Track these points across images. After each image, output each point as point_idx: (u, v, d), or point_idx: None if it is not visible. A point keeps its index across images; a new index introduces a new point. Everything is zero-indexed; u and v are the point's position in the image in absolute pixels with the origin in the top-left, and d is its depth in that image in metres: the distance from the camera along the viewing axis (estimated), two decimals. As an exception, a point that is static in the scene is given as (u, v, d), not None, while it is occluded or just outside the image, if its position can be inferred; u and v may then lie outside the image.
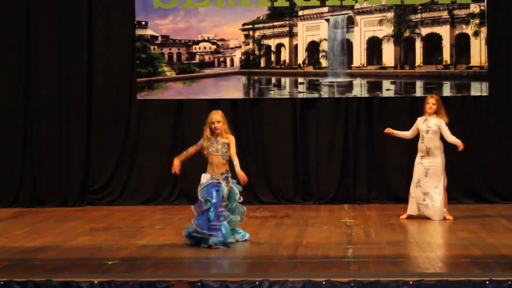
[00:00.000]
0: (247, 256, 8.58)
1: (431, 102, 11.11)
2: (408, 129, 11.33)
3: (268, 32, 13.26)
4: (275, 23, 13.25)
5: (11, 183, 13.18)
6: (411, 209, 11.12)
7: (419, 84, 12.95)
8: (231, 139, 9.10)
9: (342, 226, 10.60)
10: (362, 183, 13.01)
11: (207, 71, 13.41)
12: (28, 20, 13.19)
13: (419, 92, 12.78)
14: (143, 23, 13.28)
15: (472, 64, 12.88)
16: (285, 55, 13.28)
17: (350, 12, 13.08)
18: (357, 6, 13.05)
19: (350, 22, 13.10)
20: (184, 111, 13.09)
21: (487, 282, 6.92)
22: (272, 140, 13.15)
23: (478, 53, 12.85)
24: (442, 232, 10.10)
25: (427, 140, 11.05)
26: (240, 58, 13.29)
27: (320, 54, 13.16)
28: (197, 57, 13.41)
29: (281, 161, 13.11)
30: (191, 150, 9.28)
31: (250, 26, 13.26)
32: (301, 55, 13.22)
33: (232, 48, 13.34)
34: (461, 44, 12.92)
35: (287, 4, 13.15)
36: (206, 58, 13.41)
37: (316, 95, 13.14)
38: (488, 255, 8.30)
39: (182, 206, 12.83)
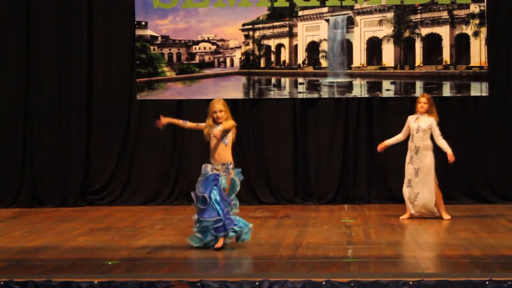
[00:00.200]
0: (247, 256, 8.58)
1: (423, 101, 11.10)
2: (407, 129, 11.32)
3: (268, 32, 13.26)
4: (275, 24, 13.25)
5: (11, 183, 13.18)
6: (409, 209, 11.12)
7: (419, 85, 12.96)
8: (230, 121, 8.99)
9: (342, 227, 10.60)
10: (362, 183, 13.01)
11: (207, 72, 13.41)
12: (28, 20, 13.20)
13: (419, 93, 12.75)
14: (143, 23, 13.28)
15: (472, 64, 12.88)
16: (285, 55, 13.28)
17: (350, 13, 13.08)
18: (357, 6, 13.05)
19: (350, 23, 13.10)
20: (184, 112, 13.08)
21: (487, 283, 6.92)
22: (272, 140, 13.15)
23: (478, 54, 12.86)
24: (442, 232, 10.10)
25: (417, 139, 11.04)
26: (240, 59, 13.29)
27: (320, 55, 13.16)
28: (197, 57, 13.41)
29: (281, 161, 13.12)
30: (188, 124, 9.17)
31: (250, 26, 13.26)
32: (301, 56, 13.22)
33: (232, 49, 13.34)
34: (461, 45, 12.92)
35: (287, 4, 13.15)
36: (206, 58, 13.41)
37: (316, 95, 13.14)
38: (488, 255, 8.30)
39: (182, 206, 12.83)
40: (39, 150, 13.18)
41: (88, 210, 12.72)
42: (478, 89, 12.87)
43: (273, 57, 13.30)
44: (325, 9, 13.11)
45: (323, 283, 7.01)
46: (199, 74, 13.42)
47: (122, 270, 7.81)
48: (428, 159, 11.04)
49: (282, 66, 13.28)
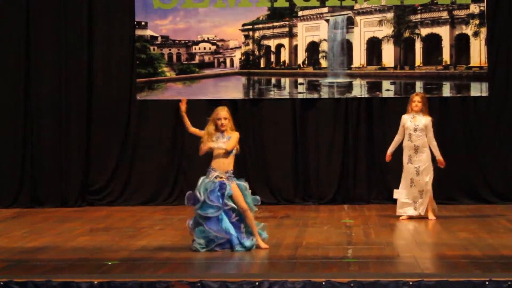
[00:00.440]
0: (247, 256, 8.57)
1: (417, 100, 11.10)
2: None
3: (268, 32, 13.26)
4: (274, 24, 13.25)
5: (11, 183, 13.18)
6: (404, 209, 11.10)
7: (419, 85, 12.96)
8: (235, 134, 8.96)
9: (342, 227, 10.60)
10: (362, 183, 13.02)
11: (207, 72, 13.41)
12: (28, 20, 13.20)
13: (419, 93, 12.76)
14: (143, 23, 13.28)
15: (472, 64, 12.88)
16: (285, 55, 13.29)
17: (350, 13, 13.08)
18: (357, 6, 13.06)
19: (350, 23, 13.10)
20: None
21: (487, 283, 6.92)
22: (272, 140, 13.15)
23: (478, 54, 12.86)
24: (442, 232, 10.09)
25: (415, 138, 11.04)
26: (240, 59, 13.29)
27: (320, 55, 13.17)
28: (197, 57, 13.41)
29: (281, 161, 13.12)
30: (192, 129, 9.02)
31: (250, 26, 13.26)
32: (301, 56, 13.22)
33: (232, 49, 13.34)
34: (461, 45, 12.93)
35: (287, 4, 13.15)
36: (206, 58, 13.41)
37: (316, 95, 13.14)
38: (488, 255, 8.29)
39: (182, 207, 12.78)
40: (39, 150, 13.18)
41: (88, 210, 12.72)
42: (478, 89, 12.87)
43: (273, 57, 13.30)
44: (325, 9, 13.11)
45: (323, 283, 7.01)
46: (199, 74, 13.42)
47: (122, 270, 7.81)
48: (425, 155, 11.06)
49: (282, 66, 13.28)
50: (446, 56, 12.97)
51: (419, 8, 12.99)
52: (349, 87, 13.08)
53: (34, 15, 13.20)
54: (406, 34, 13.03)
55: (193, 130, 9.08)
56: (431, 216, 11.09)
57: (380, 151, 12.88)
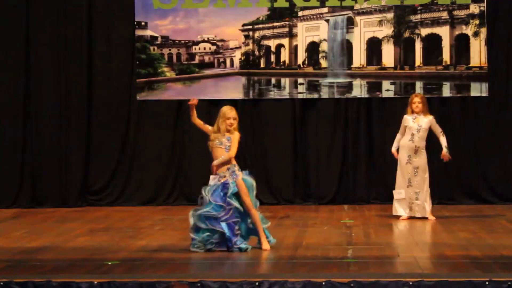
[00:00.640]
0: (246, 256, 8.57)
1: (417, 101, 11.10)
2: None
3: (267, 32, 13.26)
4: (274, 24, 13.25)
5: (11, 183, 13.18)
6: (400, 209, 11.11)
7: (419, 85, 12.96)
8: (236, 135, 8.94)
9: (341, 227, 10.59)
10: (362, 183, 13.02)
11: (207, 72, 13.41)
12: (28, 20, 13.20)
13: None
14: (143, 23, 13.28)
15: (472, 64, 12.89)
16: (285, 55, 13.29)
17: (349, 13, 13.08)
18: (356, 6, 13.06)
19: (350, 23, 13.10)
20: (184, 112, 13.08)
21: (487, 283, 6.92)
22: (272, 140, 13.16)
23: (478, 54, 12.86)
24: (442, 232, 10.09)
25: (417, 139, 11.05)
26: (240, 59, 13.29)
27: (320, 55, 13.17)
28: (197, 57, 13.41)
29: (281, 161, 13.12)
30: (198, 120, 8.92)
31: (250, 26, 13.26)
32: (301, 56, 13.22)
33: (232, 49, 13.34)
34: (461, 45, 12.93)
35: (286, 4, 13.16)
36: (206, 58, 13.41)
37: (316, 95, 13.14)
38: (487, 255, 8.29)
39: (181, 207, 12.83)
40: (39, 150, 13.18)
41: (88, 211, 12.72)
42: (478, 90, 12.88)
43: (273, 58, 13.30)
44: (325, 10, 13.11)
45: (323, 283, 7.01)
46: (199, 74, 13.42)
47: (122, 270, 7.81)
48: (424, 158, 11.07)
49: (282, 67, 13.28)
50: (446, 56, 12.97)
51: (419, 8, 12.99)
52: (349, 87, 13.08)
53: (34, 15, 13.20)
54: (406, 34, 13.03)
55: (197, 121, 9.00)
56: (430, 216, 11.10)
57: (380, 151, 12.91)
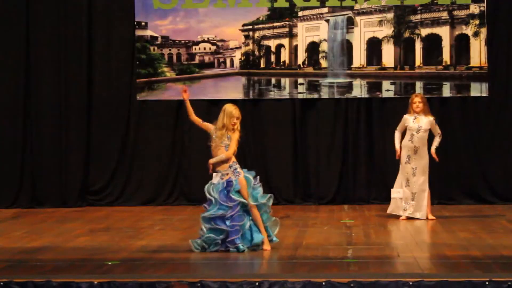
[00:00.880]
0: (247, 256, 8.57)
1: (417, 101, 11.10)
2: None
3: (268, 32, 13.26)
4: (275, 24, 13.25)
5: (11, 183, 13.18)
6: (397, 208, 11.11)
7: (419, 85, 12.96)
8: (236, 134, 8.93)
9: (341, 227, 10.59)
10: (361, 183, 13.01)
11: (207, 72, 13.41)
12: (28, 20, 13.20)
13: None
14: (143, 23, 13.28)
15: (472, 64, 12.89)
16: (285, 55, 13.28)
17: (350, 13, 13.08)
18: (357, 6, 13.06)
19: (350, 23, 13.10)
20: (184, 112, 12.99)
21: (487, 283, 6.92)
22: (272, 140, 13.15)
23: (478, 54, 12.86)
24: (442, 232, 10.09)
25: (417, 139, 11.04)
26: (240, 59, 13.29)
27: (320, 55, 13.17)
28: (197, 57, 13.41)
29: (281, 161, 13.11)
30: (195, 117, 8.90)
31: (250, 26, 13.26)
32: (301, 56, 13.22)
33: (232, 49, 13.34)
34: (461, 45, 12.93)
35: (287, 4, 13.15)
36: (206, 58, 13.41)
37: (316, 95, 13.14)
38: (487, 255, 8.29)
39: (182, 207, 12.84)
40: (39, 150, 13.18)
41: (88, 211, 12.72)
42: (478, 90, 12.87)
43: (273, 58, 13.30)
44: (325, 10, 13.11)
45: (323, 283, 7.01)
46: (199, 74, 13.42)
47: (122, 270, 7.81)
48: (425, 159, 11.06)
49: (282, 67, 13.28)
50: (446, 56, 12.97)
51: (419, 8, 12.99)
52: (349, 87, 13.08)
53: (34, 15, 13.20)
54: (406, 34, 13.03)
55: (195, 118, 8.99)
56: (430, 216, 11.09)
57: (380, 151, 12.91)
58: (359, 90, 13.05)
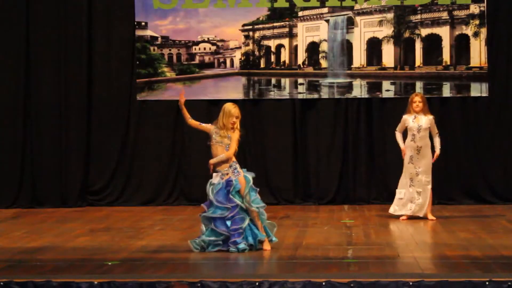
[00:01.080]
0: (246, 256, 8.57)
1: (418, 101, 11.10)
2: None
3: (268, 33, 13.26)
4: (275, 24, 13.25)
5: (11, 183, 13.17)
6: (395, 207, 11.11)
7: (419, 85, 12.96)
8: (236, 134, 8.91)
9: (342, 227, 10.59)
10: (362, 184, 13.01)
11: (207, 72, 13.41)
12: (28, 20, 13.20)
13: (419, 93, 12.76)
14: (143, 23, 13.28)
15: (472, 65, 12.89)
16: (285, 55, 13.28)
17: (350, 13, 13.08)
18: (357, 7, 13.06)
19: (350, 23, 13.10)
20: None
21: (487, 283, 6.92)
22: (272, 140, 13.15)
23: (478, 54, 12.86)
24: (442, 232, 10.09)
25: (419, 139, 11.05)
26: (240, 59, 13.29)
27: (320, 55, 13.17)
28: (197, 57, 13.41)
29: (281, 161, 13.11)
30: (192, 121, 8.90)
31: (250, 26, 13.26)
32: (301, 56, 13.22)
33: (232, 49, 13.34)
34: (461, 45, 12.93)
35: (287, 5, 13.15)
36: (206, 58, 13.41)
37: (316, 95, 13.14)
38: (487, 256, 8.30)
39: (182, 207, 12.84)
40: (39, 150, 13.18)
41: (88, 211, 12.72)
42: (478, 90, 12.87)
43: (273, 58, 13.30)
44: (325, 10, 13.11)
45: (323, 283, 7.01)
46: (199, 74, 13.42)
47: (122, 270, 7.81)
48: (428, 158, 11.06)
49: (282, 67, 13.28)
50: (446, 56, 12.97)
51: (419, 8, 12.99)
52: (349, 87, 13.08)
53: (34, 15, 13.19)
54: (406, 35, 13.03)
55: (193, 123, 8.99)
56: (431, 216, 11.10)
57: (380, 151, 12.92)
58: (359, 90, 13.05)
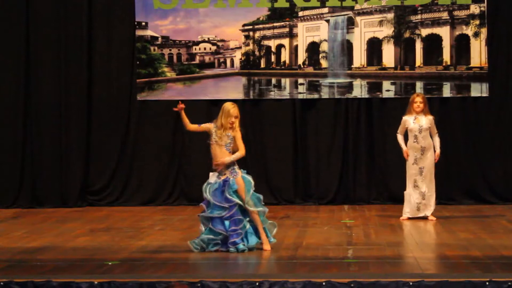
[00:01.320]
0: (246, 256, 8.57)
1: (419, 101, 11.10)
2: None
3: (268, 33, 13.26)
4: (275, 24, 13.25)
5: (11, 183, 13.17)
6: (410, 210, 11.11)
7: (419, 85, 12.96)
8: (238, 133, 8.91)
9: (342, 227, 10.59)
10: (362, 184, 13.01)
11: (207, 72, 13.41)
12: (28, 20, 13.19)
13: (419, 93, 12.76)
14: (143, 23, 13.28)
15: (472, 65, 12.88)
16: (285, 56, 13.28)
17: (350, 13, 13.08)
18: (357, 7, 13.05)
19: (350, 23, 13.10)
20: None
21: (487, 283, 6.92)
22: (272, 141, 13.15)
23: (478, 54, 12.86)
24: (442, 233, 10.09)
25: (422, 139, 11.05)
26: (240, 59, 13.29)
27: (320, 55, 13.16)
28: (197, 58, 13.41)
29: (281, 162, 13.11)
30: (191, 126, 8.94)
31: (250, 27, 13.26)
32: (301, 56, 13.22)
33: (232, 49, 13.34)
34: (461, 45, 12.92)
35: (287, 5, 13.15)
36: (206, 58, 13.41)
37: (316, 96, 13.14)
38: (488, 256, 8.30)
39: (182, 207, 12.84)
40: (39, 150, 13.18)
41: (88, 211, 12.72)
42: (478, 90, 12.87)
43: (273, 58, 13.30)
44: (325, 10, 13.11)
45: (323, 283, 7.01)
46: (199, 74, 13.42)
47: (122, 270, 7.81)
48: (431, 158, 11.06)
49: (282, 67, 13.28)
50: (446, 56, 12.97)
51: (420, 8, 12.99)
52: (349, 87, 13.08)
53: (34, 15, 13.19)
54: (407, 35, 13.03)
55: (193, 127, 9.02)
56: (431, 217, 11.09)
57: (380, 151, 12.92)
58: (359, 90, 13.05)
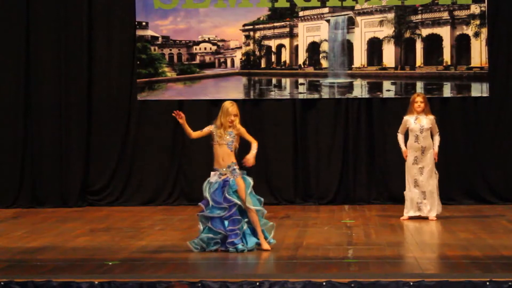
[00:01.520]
0: (246, 256, 8.57)
1: (419, 101, 11.10)
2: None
3: (268, 32, 13.26)
4: (275, 24, 13.24)
5: (11, 183, 13.17)
6: (410, 210, 11.11)
7: (419, 85, 12.96)
8: (242, 129, 8.93)
9: (342, 227, 10.59)
10: (362, 184, 13.00)
11: (208, 72, 13.41)
12: (28, 20, 13.19)
13: (419, 93, 12.75)
14: (144, 23, 13.28)
15: (472, 65, 12.88)
16: (285, 55, 13.28)
17: (350, 13, 13.07)
18: (357, 7, 13.05)
19: (351, 23, 13.09)
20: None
21: (487, 283, 6.92)
22: (273, 140, 13.14)
23: (479, 54, 12.85)
24: (442, 233, 10.10)
25: (422, 139, 11.05)
26: (241, 59, 13.29)
27: (321, 55, 13.16)
28: (198, 57, 13.41)
29: (281, 161, 13.11)
30: (194, 134, 9.03)
31: (251, 26, 13.26)
32: (302, 56, 13.22)
33: (232, 49, 13.34)
34: (462, 45, 12.92)
35: (287, 5, 13.15)
36: (207, 58, 13.41)
37: (316, 95, 13.14)
38: (488, 256, 8.29)
39: (182, 207, 12.84)
40: (39, 150, 13.17)
41: (88, 211, 12.72)
42: (478, 90, 12.87)
43: (273, 58, 13.30)
44: (326, 10, 13.11)
45: (323, 283, 7.01)
46: (199, 74, 13.42)
47: (122, 270, 7.81)
48: (431, 158, 11.06)
49: (283, 67, 13.27)
50: (446, 56, 12.96)
51: (420, 8, 12.99)
52: (349, 87, 13.08)
53: (34, 15, 13.19)
54: (407, 35, 13.02)
55: (196, 134, 9.08)
56: (431, 216, 11.09)
57: (381, 151, 12.91)
58: (360, 90, 13.05)
